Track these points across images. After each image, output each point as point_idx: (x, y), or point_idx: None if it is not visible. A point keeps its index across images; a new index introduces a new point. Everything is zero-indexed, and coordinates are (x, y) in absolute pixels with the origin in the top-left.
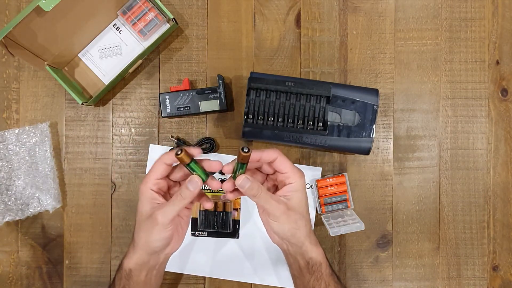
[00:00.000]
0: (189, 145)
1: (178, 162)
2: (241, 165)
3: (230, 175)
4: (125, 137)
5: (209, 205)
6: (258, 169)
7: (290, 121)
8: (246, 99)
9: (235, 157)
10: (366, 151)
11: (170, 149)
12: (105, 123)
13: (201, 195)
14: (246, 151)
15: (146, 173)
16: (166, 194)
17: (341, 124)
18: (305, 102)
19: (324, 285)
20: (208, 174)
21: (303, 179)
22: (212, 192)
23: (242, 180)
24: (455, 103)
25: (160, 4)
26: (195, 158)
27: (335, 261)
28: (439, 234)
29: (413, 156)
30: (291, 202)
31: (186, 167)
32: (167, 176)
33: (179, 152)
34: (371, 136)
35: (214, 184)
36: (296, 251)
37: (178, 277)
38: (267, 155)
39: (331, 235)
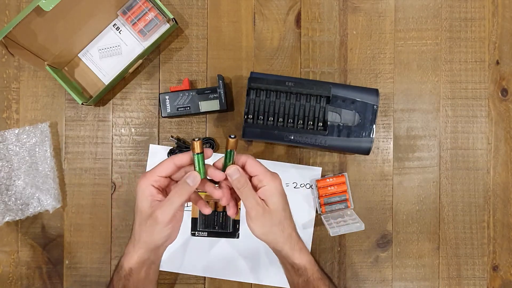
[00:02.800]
0: (188, 145)
1: (186, 165)
2: (229, 154)
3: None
4: (125, 137)
5: (207, 211)
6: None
7: (290, 121)
8: (246, 99)
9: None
10: (366, 151)
11: (175, 151)
12: (105, 123)
13: (199, 199)
14: (233, 137)
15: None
16: (164, 191)
17: (341, 124)
18: (305, 102)
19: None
20: (206, 175)
21: (277, 181)
22: None
23: (232, 170)
24: (455, 103)
25: (160, 4)
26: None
27: (335, 261)
28: (439, 234)
29: (413, 156)
30: (268, 207)
31: (193, 155)
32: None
33: (196, 139)
34: (371, 136)
35: (210, 187)
36: (278, 254)
37: (178, 277)
38: (238, 159)
39: (331, 235)
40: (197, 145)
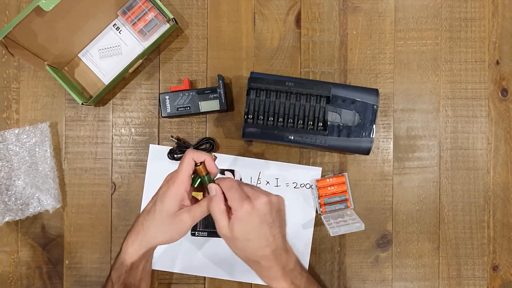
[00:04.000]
0: (188, 145)
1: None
2: (204, 179)
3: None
4: (125, 137)
5: None
6: None
7: (290, 121)
8: (246, 99)
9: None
10: (366, 151)
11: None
12: (105, 123)
13: None
14: (198, 164)
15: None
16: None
17: (341, 124)
18: (305, 102)
19: None
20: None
21: (243, 208)
22: None
23: (211, 187)
24: (455, 103)
25: (160, 4)
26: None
27: (335, 261)
28: (439, 234)
29: (413, 156)
30: (233, 232)
31: (201, 178)
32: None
33: (198, 164)
34: (371, 136)
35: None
36: None
37: (178, 277)
38: (219, 181)
39: (331, 235)
40: (201, 169)
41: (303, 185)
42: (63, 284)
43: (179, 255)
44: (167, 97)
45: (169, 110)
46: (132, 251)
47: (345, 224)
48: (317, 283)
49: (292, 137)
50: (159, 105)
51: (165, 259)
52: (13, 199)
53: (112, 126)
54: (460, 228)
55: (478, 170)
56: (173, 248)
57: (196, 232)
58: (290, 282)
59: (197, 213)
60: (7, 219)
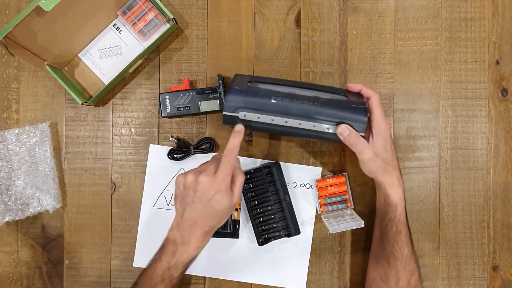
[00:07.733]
0: (189, 145)
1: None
2: None
3: None
4: (125, 137)
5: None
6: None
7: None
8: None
9: None
10: (363, 122)
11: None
12: (105, 123)
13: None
14: None
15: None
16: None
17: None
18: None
19: (395, 229)
20: None
21: (383, 126)
22: None
23: (341, 129)
24: (455, 103)
25: (160, 4)
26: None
27: (335, 261)
28: (439, 234)
29: (413, 156)
30: (375, 148)
31: None
32: None
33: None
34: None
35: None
36: (378, 187)
37: None
38: (366, 92)
39: (331, 232)
40: None
41: (303, 185)
42: (63, 284)
43: None
44: (167, 97)
45: (169, 110)
46: (184, 254)
47: (345, 222)
48: None
49: (287, 122)
50: (159, 105)
51: None
52: (13, 199)
53: (112, 126)
54: (460, 228)
55: (478, 170)
56: None
57: None
58: (402, 190)
59: (223, 167)
60: (7, 219)
